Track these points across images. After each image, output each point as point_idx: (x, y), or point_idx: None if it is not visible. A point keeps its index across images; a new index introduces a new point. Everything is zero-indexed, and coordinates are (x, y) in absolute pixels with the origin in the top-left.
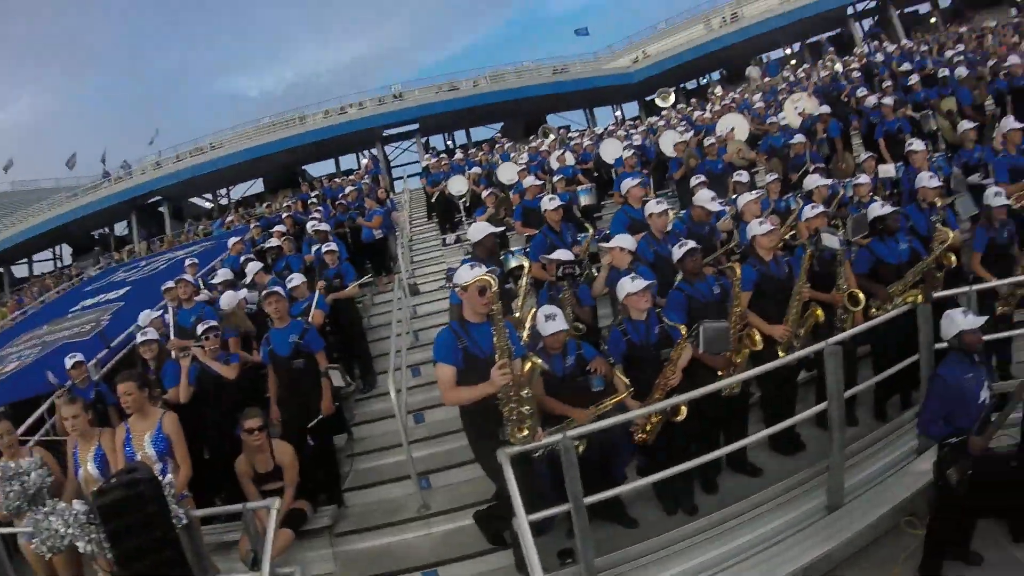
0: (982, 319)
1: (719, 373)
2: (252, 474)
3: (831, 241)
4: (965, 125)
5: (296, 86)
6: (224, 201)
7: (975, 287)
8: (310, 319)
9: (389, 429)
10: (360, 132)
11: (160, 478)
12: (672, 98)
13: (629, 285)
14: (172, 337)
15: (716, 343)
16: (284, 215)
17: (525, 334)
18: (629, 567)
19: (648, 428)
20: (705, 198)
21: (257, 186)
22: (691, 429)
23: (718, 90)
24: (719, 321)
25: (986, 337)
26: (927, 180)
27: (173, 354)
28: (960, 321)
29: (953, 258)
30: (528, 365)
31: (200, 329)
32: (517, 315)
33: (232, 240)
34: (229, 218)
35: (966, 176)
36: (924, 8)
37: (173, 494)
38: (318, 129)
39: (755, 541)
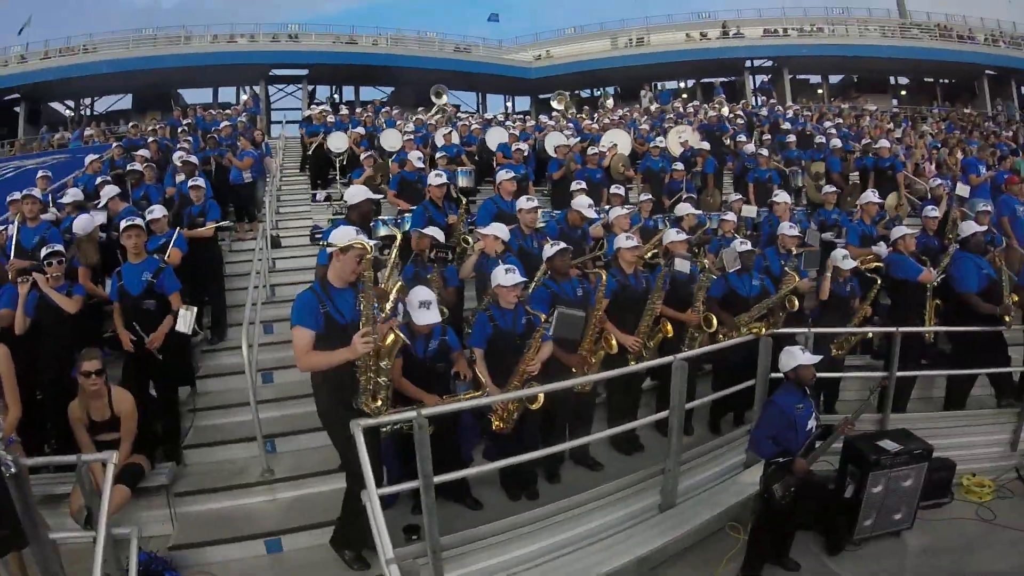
0: (818, 357)
1: (573, 371)
2: (87, 421)
3: (683, 266)
4: (828, 189)
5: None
6: (87, 112)
7: (813, 330)
8: (167, 257)
9: (236, 386)
10: (246, 66)
11: None
12: (566, 102)
13: (503, 277)
14: (12, 257)
15: (567, 329)
16: (150, 139)
17: (388, 306)
18: (474, 547)
19: (505, 416)
20: (583, 204)
21: (125, 102)
22: (540, 420)
23: (609, 103)
24: (575, 310)
25: (819, 374)
26: (787, 229)
27: (11, 275)
28: (799, 356)
29: (796, 301)
30: (391, 338)
31: (43, 252)
32: (382, 286)
33: (90, 157)
34: (89, 132)
35: (821, 233)
36: (816, 79)
37: (1, 437)
38: (202, 54)
39: (594, 531)
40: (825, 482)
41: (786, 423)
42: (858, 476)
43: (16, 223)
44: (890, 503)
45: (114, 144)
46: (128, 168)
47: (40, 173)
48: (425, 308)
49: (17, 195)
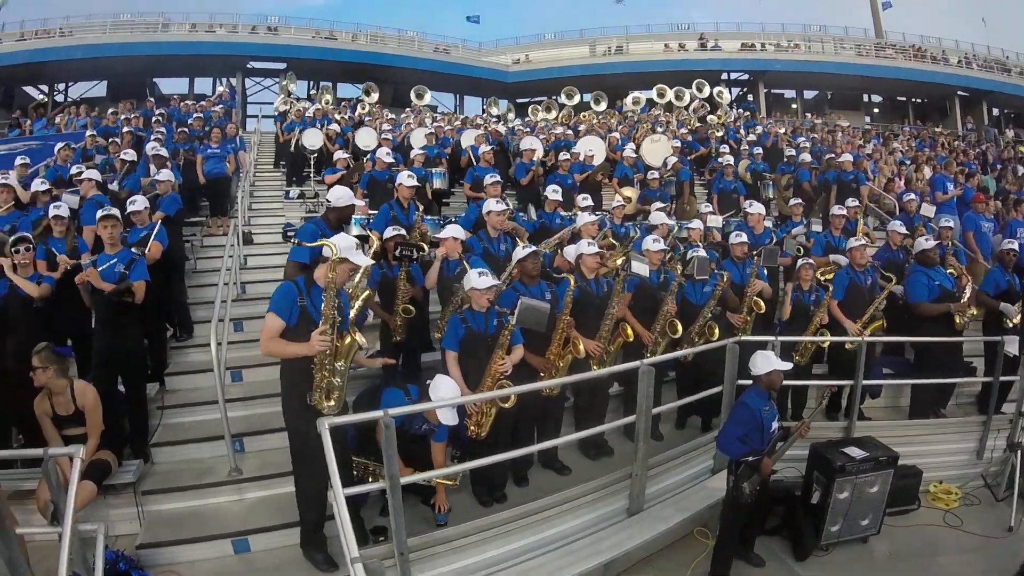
0: (789, 364)
1: (541, 375)
2: (52, 414)
3: (640, 268)
4: (794, 201)
5: None
6: (60, 97)
7: (780, 338)
8: (147, 251)
9: (203, 384)
10: (224, 57)
11: None
12: (554, 112)
13: (476, 280)
14: None
15: (530, 318)
16: (124, 129)
17: (353, 312)
18: (441, 549)
19: (482, 420)
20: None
21: (100, 89)
22: (510, 424)
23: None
24: (540, 302)
25: (785, 381)
26: (734, 238)
27: None
28: (774, 361)
29: (762, 304)
30: (348, 340)
31: (10, 239)
32: (349, 290)
33: (59, 145)
34: (61, 118)
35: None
36: (790, 93)
37: None
38: (181, 42)
39: (562, 534)
40: (792, 488)
41: (754, 424)
42: (824, 482)
43: None
44: (856, 509)
45: (89, 133)
46: (123, 158)
47: (19, 161)
48: (485, 276)
49: None
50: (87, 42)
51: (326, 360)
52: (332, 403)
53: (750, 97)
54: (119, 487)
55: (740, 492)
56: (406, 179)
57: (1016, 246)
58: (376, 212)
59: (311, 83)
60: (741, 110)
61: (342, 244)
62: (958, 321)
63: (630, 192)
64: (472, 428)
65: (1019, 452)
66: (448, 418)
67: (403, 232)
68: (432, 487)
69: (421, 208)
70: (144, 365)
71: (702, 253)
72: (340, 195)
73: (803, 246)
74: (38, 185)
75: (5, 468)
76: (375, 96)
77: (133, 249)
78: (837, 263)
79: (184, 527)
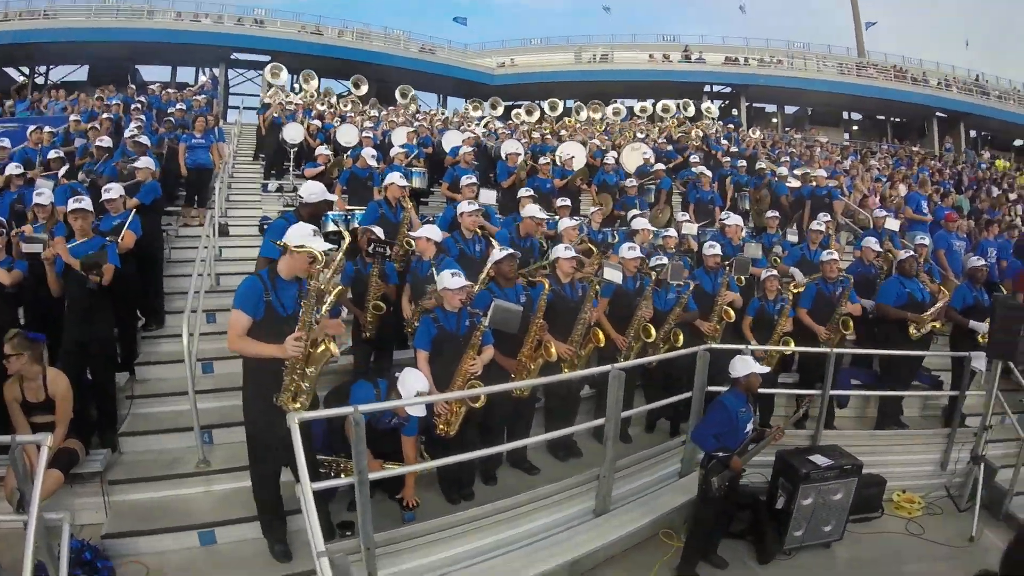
0: (767, 368)
1: (512, 376)
2: (21, 400)
3: (612, 275)
4: (770, 214)
5: None
6: (40, 80)
7: (751, 346)
8: (120, 239)
9: (173, 375)
10: (209, 47)
11: None
12: (536, 114)
13: (448, 280)
14: None
15: (502, 320)
16: (103, 115)
17: (325, 308)
18: (407, 544)
19: (451, 419)
20: (534, 210)
21: (81, 73)
22: (479, 422)
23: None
24: (513, 304)
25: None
26: (707, 249)
27: None
28: (752, 365)
29: (732, 313)
30: (322, 348)
31: None
32: (322, 286)
33: (31, 128)
34: (47, 101)
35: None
36: (771, 108)
37: None
38: (165, 30)
39: (528, 533)
40: (757, 493)
41: (730, 423)
42: (789, 488)
43: None
44: (820, 515)
45: (72, 117)
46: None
47: None
48: (458, 277)
49: None
50: (70, 25)
51: (297, 365)
52: (298, 405)
53: (734, 111)
54: (86, 476)
55: (709, 486)
56: (397, 179)
57: (983, 263)
58: (354, 208)
59: (294, 76)
60: (723, 124)
61: (296, 233)
62: (912, 331)
63: (604, 200)
64: (441, 427)
65: (982, 464)
66: (417, 410)
67: (374, 229)
68: (400, 482)
69: (409, 207)
70: (114, 354)
71: (675, 260)
72: (313, 191)
73: (778, 256)
74: (12, 169)
75: None
76: (364, 88)
77: (107, 238)
78: (793, 276)
79: (150, 518)
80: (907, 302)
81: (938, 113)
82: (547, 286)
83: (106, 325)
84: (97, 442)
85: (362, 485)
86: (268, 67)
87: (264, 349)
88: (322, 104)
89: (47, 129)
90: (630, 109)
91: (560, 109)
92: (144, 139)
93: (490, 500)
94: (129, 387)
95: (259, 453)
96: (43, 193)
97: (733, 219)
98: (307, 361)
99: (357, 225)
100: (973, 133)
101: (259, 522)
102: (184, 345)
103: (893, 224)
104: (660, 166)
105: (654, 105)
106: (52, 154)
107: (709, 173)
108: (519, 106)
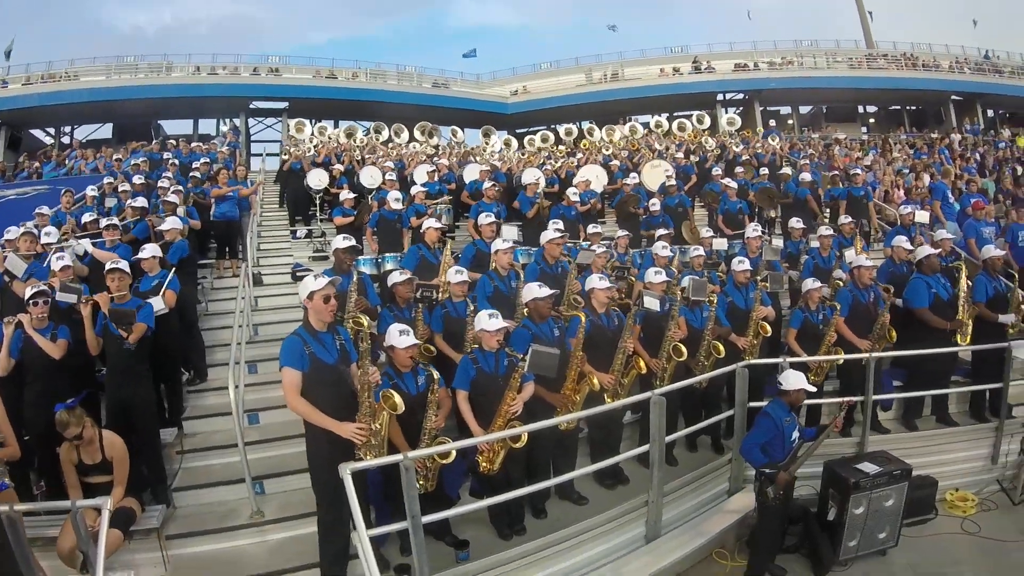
0: (814, 388)
1: (557, 410)
2: (77, 462)
3: (652, 303)
4: (794, 221)
5: (171, 31)
6: (66, 140)
7: (789, 359)
8: (162, 298)
9: (221, 427)
10: (227, 99)
11: None
12: (551, 140)
13: (486, 323)
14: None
15: (542, 366)
16: (135, 178)
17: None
18: None
19: (492, 457)
20: (549, 234)
21: (105, 131)
22: (525, 457)
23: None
24: (549, 347)
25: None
26: (736, 264)
27: None
28: (799, 380)
29: (768, 328)
30: (384, 417)
31: (28, 292)
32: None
33: (63, 190)
34: (76, 161)
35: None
36: (786, 110)
37: None
38: (185, 84)
39: (580, 564)
40: (807, 506)
41: (776, 433)
42: (839, 499)
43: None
44: (873, 523)
45: (107, 180)
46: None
47: (37, 209)
48: (406, 335)
49: (15, 231)
50: (92, 85)
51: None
52: (374, 454)
53: (768, 123)
54: (143, 532)
55: (766, 496)
56: (433, 222)
57: (998, 252)
58: (388, 253)
59: (313, 121)
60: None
61: (303, 287)
62: (958, 339)
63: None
64: (484, 464)
65: None
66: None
67: (412, 276)
68: (447, 526)
69: (448, 247)
70: (156, 413)
71: (696, 278)
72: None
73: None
74: (45, 237)
75: (27, 515)
76: (384, 134)
77: (149, 300)
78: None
79: (209, 570)
80: (936, 302)
81: (953, 96)
82: (583, 318)
83: (146, 383)
84: (151, 498)
85: (416, 529)
86: (293, 123)
87: (323, 420)
88: (347, 137)
89: (90, 192)
90: (645, 125)
91: (575, 134)
92: (173, 197)
93: (542, 534)
94: (179, 442)
95: (329, 498)
96: (64, 256)
97: (753, 231)
98: (373, 434)
99: (388, 267)
100: (991, 113)
101: (318, 570)
102: (231, 398)
103: (923, 217)
104: (674, 183)
105: (669, 120)
106: (87, 217)
107: (735, 185)
108: (535, 132)
